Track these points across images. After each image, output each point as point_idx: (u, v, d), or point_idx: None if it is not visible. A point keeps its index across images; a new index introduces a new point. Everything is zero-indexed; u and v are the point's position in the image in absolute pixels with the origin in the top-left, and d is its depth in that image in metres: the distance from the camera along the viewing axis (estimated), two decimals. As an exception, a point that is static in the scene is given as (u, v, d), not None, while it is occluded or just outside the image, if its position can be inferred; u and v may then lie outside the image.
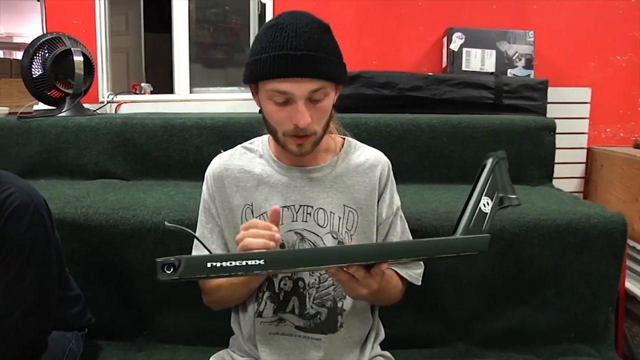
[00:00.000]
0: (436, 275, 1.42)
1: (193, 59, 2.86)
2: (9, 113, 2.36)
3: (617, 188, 2.16)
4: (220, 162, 1.14)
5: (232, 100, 2.63)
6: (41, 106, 2.22)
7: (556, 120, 2.00)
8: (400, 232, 1.15)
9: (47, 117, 2.06)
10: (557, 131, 1.98)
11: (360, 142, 1.19)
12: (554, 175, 2.01)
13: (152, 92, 2.82)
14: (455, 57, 2.35)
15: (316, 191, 1.09)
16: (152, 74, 4.05)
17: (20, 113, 2.10)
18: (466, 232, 0.87)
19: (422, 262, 1.16)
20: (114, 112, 2.56)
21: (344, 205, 1.09)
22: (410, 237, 1.18)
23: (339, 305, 1.10)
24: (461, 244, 0.84)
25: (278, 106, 0.97)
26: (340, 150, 1.14)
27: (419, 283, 1.15)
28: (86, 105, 2.25)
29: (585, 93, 2.42)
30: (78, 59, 2.08)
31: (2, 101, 2.79)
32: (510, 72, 2.34)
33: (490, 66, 2.34)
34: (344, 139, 1.17)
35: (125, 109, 2.57)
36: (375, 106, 2.12)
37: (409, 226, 1.19)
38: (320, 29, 0.97)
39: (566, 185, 2.27)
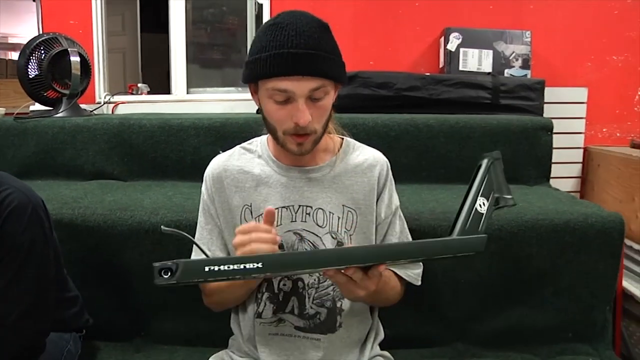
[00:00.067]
0: (435, 276, 1.42)
1: (190, 59, 2.85)
2: (6, 114, 2.35)
3: (613, 188, 2.17)
4: (219, 162, 1.13)
5: (229, 101, 2.63)
6: (38, 107, 2.21)
7: (553, 120, 2.01)
8: (399, 232, 1.15)
9: (44, 117, 2.05)
10: (553, 131, 1.98)
11: (358, 142, 1.18)
12: (551, 175, 2.01)
13: (148, 93, 2.81)
14: (452, 57, 2.36)
15: (315, 191, 1.09)
16: (149, 74, 4.04)
17: (17, 114, 2.09)
18: (463, 232, 0.87)
19: (420, 262, 1.16)
20: (110, 112, 2.56)
21: (342, 205, 1.09)
22: (409, 237, 1.18)
23: (338, 305, 1.10)
24: (458, 245, 0.85)
25: (278, 105, 0.97)
26: (338, 151, 1.14)
27: (419, 283, 1.15)
28: (83, 106, 2.24)
29: (581, 93, 2.43)
30: (75, 59, 2.08)
31: (-1, 102, 2.79)
32: (507, 72, 2.35)
33: (487, 66, 2.35)
34: (343, 139, 1.17)
35: (122, 110, 2.57)
36: (372, 106, 2.12)
37: (407, 226, 1.19)
38: (320, 28, 0.98)
39: (563, 185, 2.28)
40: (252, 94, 1.05)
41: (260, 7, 2.70)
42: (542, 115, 2.16)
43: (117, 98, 2.60)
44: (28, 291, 1.07)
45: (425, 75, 2.20)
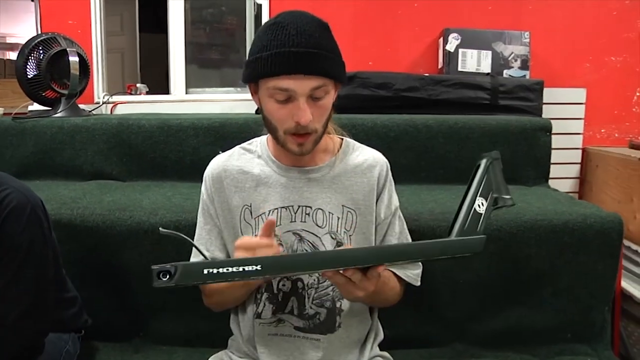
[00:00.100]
0: (433, 276, 1.41)
1: (188, 59, 2.85)
2: (4, 114, 2.34)
3: (612, 188, 2.17)
4: (219, 163, 1.13)
5: (228, 101, 2.63)
6: (36, 107, 2.21)
7: (551, 121, 2.01)
8: (399, 232, 1.15)
9: (42, 117, 2.05)
10: (552, 132, 1.98)
11: (358, 142, 1.18)
12: (550, 176, 2.01)
13: (147, 93, 2.81)
14: (451, 58, 2.36)
15: (315, 192, 1.09)
16: (147, 74, 4.04)
17: (15, 114, 2.09)
18: (461, 233, 0.87)
19: (420, 263, 1.16)
20: (109, 112, 2.55)
21: (342, 206, 1.09)
22: (409, 238, 1.18)
23: (338, 305, 1.10)
24: (457, 246, 0.85)
25: (279, 104, 0.97)
26: (338, 151, 1.14)
27: (418, 283, 1.15)
28: (81, 106, 2.23)
29: (580, 94, 2.44)
30: (74, 59, 2.07)
31: (-3, 102, 2.78)
32: (505, 72, 2.35)
33: (486, 67, 2.35)
34: (342, 139, 1.17)
35: (120, 110, 2.57)
36: (371, 107, 2.12)
37: (407, 227, 1.19)
38: (321, 27, 0.98)
39: (561, 185, 2.28)
40: (252, 94, 1.05)
41: (259, 7, 2.70)
42: (540, 116, 2.16)
43: (115, 98, 2.60)
44: (27, 291, 1.07)
45: (424, 76, 2.20)
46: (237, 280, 0.83)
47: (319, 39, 0.96)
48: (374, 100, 2.15)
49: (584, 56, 2.51)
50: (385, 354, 1.20)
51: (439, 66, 2.47)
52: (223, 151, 1.17)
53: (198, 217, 1.15)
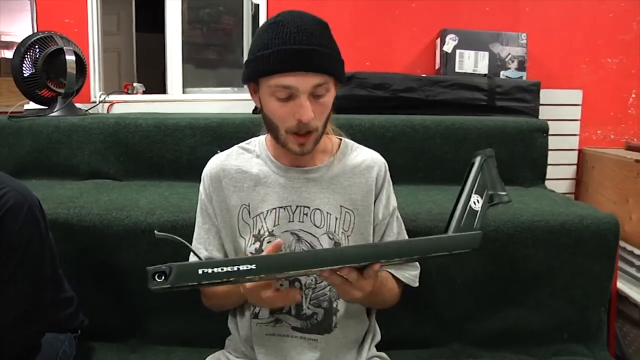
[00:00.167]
0: (431, 276, 1.42)
1: (185, 59, 2.84)
2: (-1, 112, 2.33)
3: (607, 189, 2.18)
4: (218, 162, 1.13)
5: (225, 101, 2.62)
6: (32, 105, 2.20)
7: (548, 122, 2.02)
8: (397, 233, 1.15)
9: (39, 116, 2.04)
10: (549, 133, 1.99)
11: (356, 143, 1.19)
12: (546, 177, 2.02)
13: (144, 92, 2.80)
14: (448, 59, 2.36)
15: (313, 192, 1.08)
16: (144, 74, 4.03)
17: (11, 112, 2.08)
18: (457, 230, 0.87)
19: (417, 264, 1.16)
20: (105, 112, 2.54)
21: (340, 206, 1.09)
22: (407, 238, 1.18)
23: (334, 305, 1.10)
24: (453, 242, 0.84)
25: (281, 102, 0.97)
26: (337, 151, 1.14)
27: (416, 285, 1.15)
28: (78, 105, 2.23)
29: (576, 95, 2.45)
30: (70, 58, 2.07)
31: (-8, 100, 2.76)
32: (502, 73, 2.35)
33: (483, 68, 2.35)
34: (341, 139, 1.17)
35: (117, 109, 2.56)
36: (368, 107, 2.12)
37: (405, 227, 1.19)
38: (321, 26, 0.98)
39: (557, 186, 2.28)
40: (251, 94, 1.05)
41: (256, 7, 2.69)
42: (537, 117, 2.17)
43: (112, 97, 2.59)
44: (24, 291, 1.06)
45: (421, 77, 2.20)
46: (233, 282, 0.82)
47: (320, 37, 0.97)
48: (372, 101, 2.15)
49: (581, 58, 2.51)
50: (383, 354, 1.20)
51: (436, 67, 2.48)
52: (221, 151, 1.17)
53: (196, 217, 1.15)
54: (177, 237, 0.89)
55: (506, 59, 2.36)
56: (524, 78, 2.35)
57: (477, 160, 0.94)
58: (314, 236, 1.08)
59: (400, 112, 2.07)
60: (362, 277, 0.87)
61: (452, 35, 2.36)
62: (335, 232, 1.08)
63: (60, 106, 2.09)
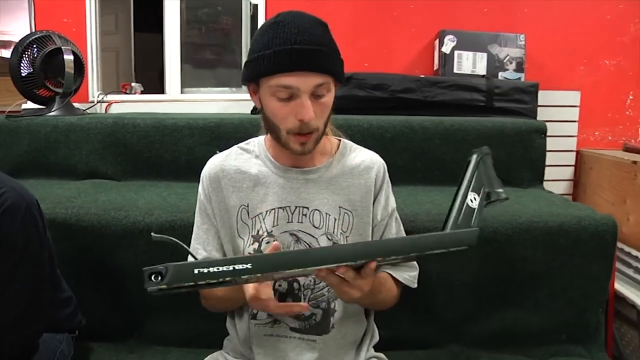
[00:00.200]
0: (429, 278, 1.42)
1: (183, 59, 2.84)
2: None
3: (605, 191, 2.18)
4: (217, 162, 1.13)
5: (223, 101, 2.62)
6: (30, 105, 2.19)
7: (546, 123, 2.02)
8: (396, 234, 1.15)
9: (37, 116, 2.03)
10: (547, 134, 1.99)
11: (355, 144, 1.19)
12: (544, 178, 2.03)
13: (142, 92, 2.80)
14: (447, 60, 2.37)
15: (312, 192, 1.08)
16: (142, 74, 4.02)
17: (9, 112, 2.07)
18: (455, 228, 0.87)
19: (416, 265, 1.16)
20: (104, 111, 2.54)
21: (339, 207, 1.09)
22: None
23: (332, 306, 1.10)
24: (449, 239, 0.83)
25: (282, 102, 0.97)
26: (335, 152, 1.14)
27: (415, 286, 1.15)
28: (76, 105, 2.22)
29: (574, 96, 2.45)
30: (68, 57, 2.06)
31: (-10, 100, 2.75)
32: (501, 75, 2.36)
33: (481, 69, 2.35)
34: (340, 140, 1.17)
35: (115, 109, 2.55)
36: (367, 108, 2.12)
37: (403, 228, 1.19)
38: (321, 26, 0.99)
39: (555, 187, 2.29)
40: (251, 95, 1.05)
41: (255, 7, 2.69)
42: (535, 118, 2.17)
43: (110, 97, 2.58)
44: (23, 291, 1.06)
45: (420, 78, 2.21)
46: (229, 282, 0.81)
47: (321, 37, 0.97)
48: (370, 102, 2.15)
49: (579, 59, 2.52)
50: (381, 355, 1.20)
51: (435, 68, 2.48)
52: (220, 151, 1.17)
53: (195, 217, 1.15)
54: (173, 239, 0.89)
55: (504, 60, 2.36)
56: (522, 79, 2.36)
57: (473, 158, 0.94)
58: (313, 237, 1.07)
59: (399, 113, 2.07)
60: (360, 276, 0.87)
61: (451, 36, 2.36)
62: (334, 232, 1.08)
63: (58, 106, 2.09)
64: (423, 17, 2.52)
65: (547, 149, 1.99)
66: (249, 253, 1.06)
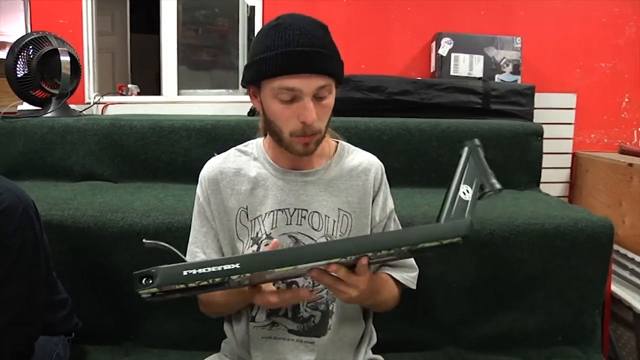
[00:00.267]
0: (427, 280, 1.40)
1: (179, 60, 2.83)
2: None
3: (601, 193, 2.19)
4: (215, 165, 1.12)
5: (220, 103, 2.62)
6: (26, 106, 2.18)
7: (542, 126, 2.03)
8: (394, 236, 1.15)
9: (33, 117, 2.02)
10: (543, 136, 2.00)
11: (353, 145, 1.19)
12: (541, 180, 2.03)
13: (138, 94, 2.79)
14: (443, 62, 2.37)
15: (311, 194, 1.08)
16: (138, 75, 4.01)
17: (4, 113, 2.06)
18: (448, 221, 0.85)
19: (416, 266, 1.16)
20: (100, 113, 2.53)
21: (338, 209, 1.09)
22: None
23: (330, 308, 1.10)
24: (441, 231, 0.80)
25: (284, 104, 0.97)
26: (334, 154, 1.14)
27: (414, 286, 1.15)
28: (72, 106, 2.21)
29: (570, 99, 2.46)
30: (65, 58, 2.05)
31: (-15, 101, 2.74)
32: (497, 77, 2.36)
33: (478, 71, 2.36)
34: (337, 142, 1.17)
35: (111, 111, 2.54)
36: (364, 110, 2.13)
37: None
38: (322, 28, 0.99)
39: (552, 189, 2.30)
40: (251, 97, 1.04)
41: (252, 9, 2.69)
42: (532, 121, 2.18)
43: (107, 99, 2.57)
44: (19, 293, 1.05)
45: (416, 80, 2.21)
46: (219, 283, 0.80)
47: (322, 39, 0.97)
48: (367, 104, 2.15)
49: (575, 62, 2.53)
50: (379, 357, 1.20)
51: (432, 70, 2.48)
52: (218, 153, 1.16)
53: (193, 220, 1.14)
54: (165, 245, 0.88)
55: (501, 63, 2.37)
56: (519, 82, 2.37)
57: (465, 151, 0.94)
58: (312, 239, 1.07)
59: (396, 115, 2.08)
60: (354, 273, 0.87)
61: (448, 39, 2.37)
62: (333, 234, 1.08)
63: (55, 107, 2.08)
64: (420, 19, 2.53)
65: (544, 151, 2.00)
66: None
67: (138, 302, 1.46)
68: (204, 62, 3.73)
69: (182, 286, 0.76)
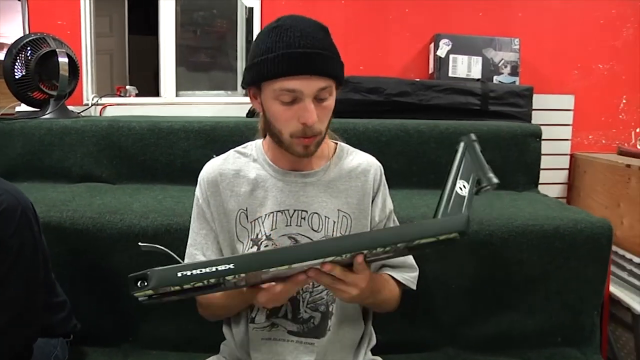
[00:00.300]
0: (426, 281, 1.41)
1: (178, 61, 2.83)
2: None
3: (599, 194, 2.20)
4: (214, 166, 1.12)
5: (218, 104, 2.61)
6: (24, 107, 2.18)
7: (541, 127, 2.03)
8: (394, 236, 1.15)
9: (31, 119, 2.02)
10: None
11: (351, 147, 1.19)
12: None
13: (136, 95, 2.79)
14: (442, 64, 2.37)
15: (310, 196, 1.08)
16: (136, 76, 4.01)
17: (2, 114, 2.06)
18: (444, 216, 0.85)
19: (416, 266, 1.16)
20: (98, 114, 2.52)
21: (338, 210, 1.09)
22: None
23: (330, 309, 1.09)
24: (437, 226, 0.79)
25: (285, 106, 0.97)
26: (333, 155, 1.14)
27: (414, 287, 1.15)
28: (70, 108, 2.21)
29: (568, 100, 2.47)
30: (63, 60, 2.05)
31: (-18, 102, 2.73)
32: (496, 78, 2.37)
33: (476, 73, 2.36)
34: (336, 143, 1.17)
35: (110, 112, 2.54)
36: (362, 111, 2.13)
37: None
38: (322, 30, 0.99)
39: (550, 191, 2.30)
40: (252, 99, 1.04)
41: (250, 10, 2.69)
42: (530, 122, 2.19)
43: (105, 100, 2.57)
44: (18, 295, 1.05)
45: (415, 81, 2.21)
46: (214, 284, 0.79)
47: (323, 41, 0.97)
48: (366, 105, 2.16)
49: (572, 63, 2.54)
50: (378, 358, 1.20)
51: (430, 71, 2.49)
52: (216, 154, 1.16)
53: (192, 222, 1.13)
54: (162, 248, 0.88)
55: (499, 64, 2.38)
56: (517, 83, 2.37)
57: (461, 146, 0.93)
58: (312, 240, 1.07)
59: (394, 117, 2.08)
60: (352, 272, 0.86)
61: (446, 40, 2.37)
62: (333, 235, 1.07)
63: (53, 108, 2.08)
64: (418, 20, 2.53)
65: (542, 152, 2.00)
66: None
67: (136, 304, 1.45)
68: (202, 64, 3.72)
69: (177, 288, 0.76)
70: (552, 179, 2.45)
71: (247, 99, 1.06)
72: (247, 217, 1.08)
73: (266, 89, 0.98)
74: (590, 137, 2.56)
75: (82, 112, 2.32)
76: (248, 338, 1.10)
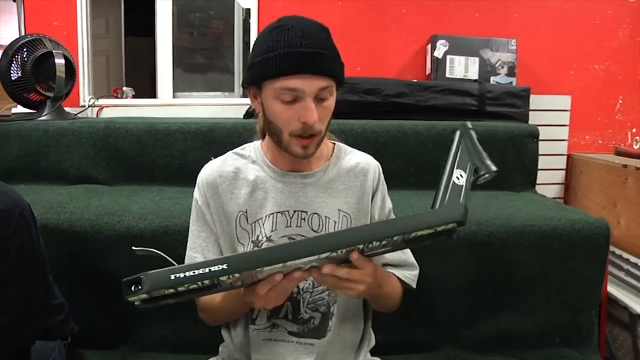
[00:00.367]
0: (426, 281, 1.41)
1: (175, 63, 2.83)
2: (-14, 116, 2.30)
3: (596, 194, 2.20)
4: (213, 168, 1.12)
5: (215, 105, 2.61)
6: (20, 109, 2.17)
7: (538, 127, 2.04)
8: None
9: (27, 120, 2.01)
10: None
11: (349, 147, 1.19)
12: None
13: (133, 97, 2.78)
14: (439, 64, 2.38)
15: (310, 196, 1.08)
16: (132, 77, 4.00)
17: (-2, 116, 2.05)
18: (442, 207, 0.83)
19: (416, 264, 1.16)
20: (95, 116, 2.52)
21: (338, 210, 1.09)
22: None
23: (331, 310, 1.09)
24: (435, 217, 0.76)
25: (285, 105, 0.97)
26: (331, 155, 1.14)
27: (414, 285, 1.15)
28: (67, 109, 2.20)
29: (565, 101, 2.48)
30: (59, 61, 2.04)
31: (-22, 104, 2.72)
32: (493, 79, 2.37)
33: (473, 73, 2.37)
34: (334, 144, 1.17)
35: (106, 113, 2.53)
36: (359, 112, 2.13)
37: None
38: (323, 30, 0.99)
39: (547, 191, 2.31)
40: (252, 99, 1.04)
41: (247, 11, 2.69)
42: (527, 123, 2.19)
43: (102, 101, 2.56)
44: (16, 297, 1.04)
45: (412, 82, 2.22)
46: (212, 286, 0.79)
47: (324, 41, 0.97)
48: (363, 106, 2.16)
49: (569, 64, 2.55)
50: (377, 359, 1.20)
51: (427, 72, 2.49)
52: (214, 156, 1.16)
53: (191, 225, 1.12)
54: (156, 251, 0.88)
55: (496, 65, 2.38)
56: (514, 84, 2.38)
57: (456, 135, 0.93)
58: (311, 240, 1.07)
59: (392, 117, 2.08)
60: (355, 268, 0.86)
61: (443, 41, 2.38)
62: (332, 236, 1.07)
63: (49, 110, 2.07)
64: (415, 21, 2.54)
65: (539, 152, 2.01)
66: None
67: (134, 307, 1.46)
68: (199, 65, 3.72)
69: (171, 291, 0.75)
70: (549, 179, 2.46)
71: (245, 100, 1.06)
72: (247, 219, 1.07)
73: (267, 88, 0.98)
74: (587, 137, 2.57)
75: (78, 113, 2.31)
76: (248, 340, 1.10)
